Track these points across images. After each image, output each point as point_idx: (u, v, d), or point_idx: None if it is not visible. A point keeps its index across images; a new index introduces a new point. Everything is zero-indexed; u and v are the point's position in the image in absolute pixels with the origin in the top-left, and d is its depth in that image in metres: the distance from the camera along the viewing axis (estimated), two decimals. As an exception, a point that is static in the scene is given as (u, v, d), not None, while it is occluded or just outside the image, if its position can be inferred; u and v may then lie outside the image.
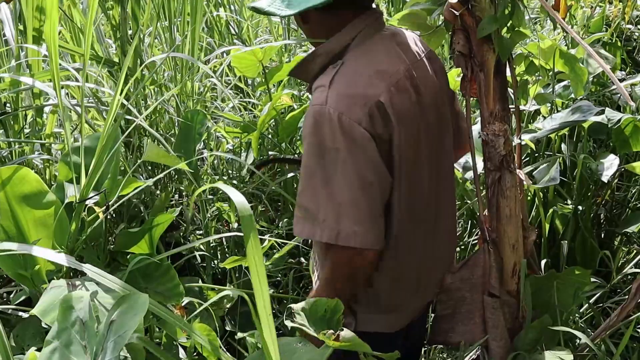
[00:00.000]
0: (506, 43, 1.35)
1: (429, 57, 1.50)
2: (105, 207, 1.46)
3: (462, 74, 1.47)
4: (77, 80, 2.52)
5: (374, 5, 1.44)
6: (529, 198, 1.99)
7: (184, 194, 2.69)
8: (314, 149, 1.29)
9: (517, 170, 1.50)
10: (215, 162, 2.78)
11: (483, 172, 1.53)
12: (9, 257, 1.48)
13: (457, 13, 1.39)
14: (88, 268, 1.04)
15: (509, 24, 1.36)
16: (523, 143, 1.61)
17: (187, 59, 1.84)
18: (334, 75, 1.32)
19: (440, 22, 1.47)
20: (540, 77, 1.52)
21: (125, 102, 2.15)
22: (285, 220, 2.59)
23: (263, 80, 2.63)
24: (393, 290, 1.49)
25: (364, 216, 1.29)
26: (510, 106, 1.49)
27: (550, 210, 1.92)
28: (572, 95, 2.04)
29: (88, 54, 1.33)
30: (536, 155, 2.07)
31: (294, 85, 2.88)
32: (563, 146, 2.07)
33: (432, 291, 1.61)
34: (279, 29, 3.49)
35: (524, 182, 1.54)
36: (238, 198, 0.89)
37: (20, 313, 1.78)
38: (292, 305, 1.10)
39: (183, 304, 1.94)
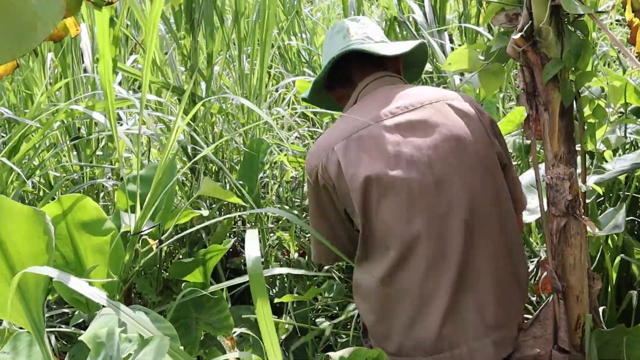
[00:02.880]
0: (570, 87, 1.27)
1: (466, 112, 1.53)
2: (158, 240, 1.47)
3: (526, 114, 1.40)
4: (153, 108, 2.61)
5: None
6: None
7: (246, 221, 2.70)
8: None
9: (583, 217, 1.40)
10: (280, 189, 2.78)
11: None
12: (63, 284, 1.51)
13: (520, 50, 1.32)
14: (121, 307, 1.04)
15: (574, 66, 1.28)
16: (589, 188, 1.51)
17: (245, 103, 1.86)
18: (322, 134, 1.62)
19: (489, 61, 1.41)
20: (608, 121, 1.43)
21: (186, 129, 2.19)
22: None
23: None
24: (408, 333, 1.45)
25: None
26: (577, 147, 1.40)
27: (618, 258, 1.79)
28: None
29: (147, 83, 1.36)
30: (603, 197, 1.95)
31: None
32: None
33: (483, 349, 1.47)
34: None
35: (591, 230, 1.44)
36: (252, 253, 0.87)
37: (81, 331, 1.83)
38: (331, 354, 1.06)
39: (236, 334, 1.94)
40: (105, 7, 1.00)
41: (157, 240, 1.46)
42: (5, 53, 0.94)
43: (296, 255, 2.52)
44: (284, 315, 2.30)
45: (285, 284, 2.45)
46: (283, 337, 2.16)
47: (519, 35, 1.31)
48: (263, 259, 2.46)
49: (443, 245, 1.43)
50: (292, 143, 2.80)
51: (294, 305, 2.25)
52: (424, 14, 3.19)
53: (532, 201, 1.75)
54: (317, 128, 2.86)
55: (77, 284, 1.03)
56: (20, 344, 1.38)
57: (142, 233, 1.43)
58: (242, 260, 2.55)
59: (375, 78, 1.61)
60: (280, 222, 2.59)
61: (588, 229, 1.37)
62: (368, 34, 1.64)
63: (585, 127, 1.40)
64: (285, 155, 2.55)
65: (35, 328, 1.27)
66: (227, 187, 2.52)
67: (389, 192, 1.42)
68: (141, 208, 1.45)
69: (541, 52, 1.32)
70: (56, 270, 1.08)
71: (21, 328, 1.47)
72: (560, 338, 1.45)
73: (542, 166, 1.45)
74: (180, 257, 2.41)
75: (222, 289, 1.73)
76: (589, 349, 1.43)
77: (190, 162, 1.72)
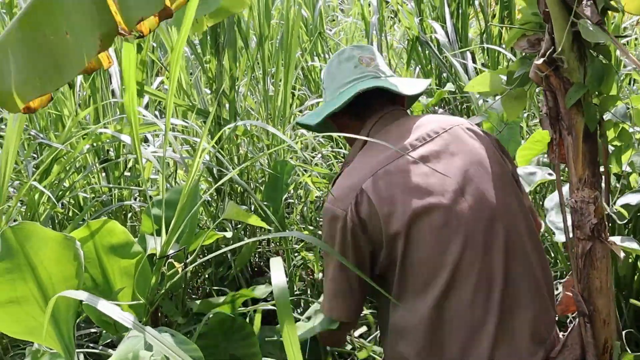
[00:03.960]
0: (594, 112, 1.27)
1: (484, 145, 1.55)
2: (184, 263, 1.49)
3: (550, 138, 1.41)
4: (180, 131, 2.66)
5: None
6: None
7: (270, 241, 2.72)
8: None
9: (609, 240, 1.39)
10: (304, 210, 2.80)
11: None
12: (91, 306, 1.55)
13: (542, 75, 1.33)
14: (148, 331, 1.07)
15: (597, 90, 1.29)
16: (615, 211, 1.50)
17: (268, 129, 1.90)
18: (336, 177, 1.58)
19: (512, 86, 1.42)
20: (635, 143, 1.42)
21: (212, 150, 2.23)
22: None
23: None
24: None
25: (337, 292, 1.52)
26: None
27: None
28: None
29: (171, 109, 1.39)
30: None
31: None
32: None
33: None
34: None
35: (616, 252, 1.43)
36: (278, 279, 0.88)
37: (109, 350, 1.86)
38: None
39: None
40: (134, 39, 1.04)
41: (182, 264, 1.48)
42: (42, 86, 0.98)
43: (320, 275, 2.54)
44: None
45: (310, 304, 2.46)
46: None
47: (541, 60, 1.32)
48: (287, 279, 2.47)
49: (486, 268, 1.43)
50: (315, 164, 2.82)
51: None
52: (446, 33, 3.20)
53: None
54: (341, 148, 2.88)
55: (106, 307, 1.06)
56: (51, 365, 1.41)
57: (167, 257, 1.46)
58: (267, 280, 2.57)
59: (386, 112, 1.62)
60: (304, 242, 2.60)
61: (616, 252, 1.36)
62: (379, 66, 1.67)
63: (611, 150, 1.40)
64: (310, 176, 2.57)
65: (66, 350, 1.30)
66: (252, 208, 2.55)
67: (426, 223, 1.42)
68: (166, 231, 1.48)
69: (564, 76, 1.32)
70: (85, 293, 1.11)
71: (52, 349, 1.50)
72: (589, 364, 1.44)
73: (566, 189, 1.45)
74: (207, 276, 2.44)
75: (250, 325, 1.74)
76: (617, 374, 1.41)
77: (216, 184, 1.74)
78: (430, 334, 1.41)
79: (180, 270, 1.48)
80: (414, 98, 1.78)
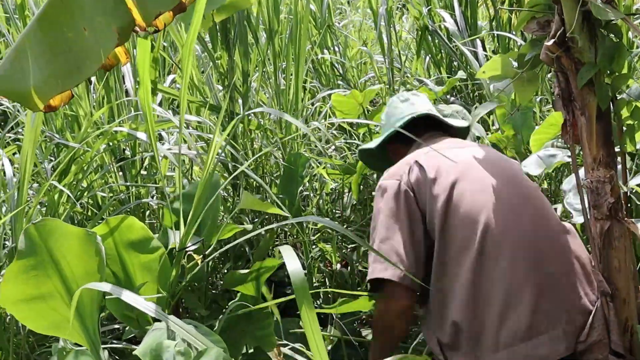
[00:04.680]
0: (606, 91, 1.27)
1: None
2: (203, 255, 1.52)
3: (559, 117, 1.41)
4: (193, 127, 2.68)
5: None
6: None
7: (288, 234, 2.74)
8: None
9: (626, 219, 1.39)
10: (320, 202, 2.81)
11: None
12: (116, 299, 1.57)
13: (553, 56, 1.33)
14: (171, 320, 1.09)
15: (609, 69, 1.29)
16: (632, 190, 1.50)
17: (284, 117, 1.93)
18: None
19: (523, 69, 1.42)
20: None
21: (228, 147, 2.25)
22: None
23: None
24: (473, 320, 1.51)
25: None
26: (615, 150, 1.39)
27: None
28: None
29: (185, 103, 1.41)
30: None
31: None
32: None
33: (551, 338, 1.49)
34: (383, 69, 3.52)
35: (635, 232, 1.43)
36: (294, 266, 0.90)
37: (133, 347, 1.88)
38: (376, 363, 1.08)
39: (288, 347, 1.96)
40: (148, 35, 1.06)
41: (202, 256, 1.50)
42: (62, 84, 1.01)
43: (338, 266, 2.55)
44: (329, 326, 2.33)
45: (329, 295, 2.47)
46: (328, 347, 2.18)
47: (551, 41, 1.32)
48: (306, 271, 2.49)
49: (519, 239, 1.54)
50: (329, 156, 2.83)
51: (339, 316, 2.27)
52: (455, 22, 3.19)
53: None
54: (354, 140, 2.89)
55: (131, 298, 1.08)
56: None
57: (187, 249, 1.48)
58: (286, 272, 2.58)
59: (431, 135, 1.88)
60: (321, 233, 2.62)
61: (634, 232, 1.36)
62: (428, 105, 1.97)
63: (624, 129, 1.40)
64: (325, 168, 2.59)
65: (91, 344, 1.32)
66: (268, 202, 2.56)
67: (465, 189, 1.59)
68: (184, 225, 1.50)
69: (575, 57, 1.32)
70: (109, 285, 1.14)
71: (77, 344, 1.53)
72: (614, 342, 1.44)
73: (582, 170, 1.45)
74: (225, 272, 2.46)
75: (268, 307, 1.76)
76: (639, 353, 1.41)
77: (229, 178, 1.76)
78: (470, 296, 1.50)
79: (199, 262, 1.50)
80: (461, 132, 2.01)
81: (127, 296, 1.11)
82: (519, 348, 1.46)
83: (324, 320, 2.42)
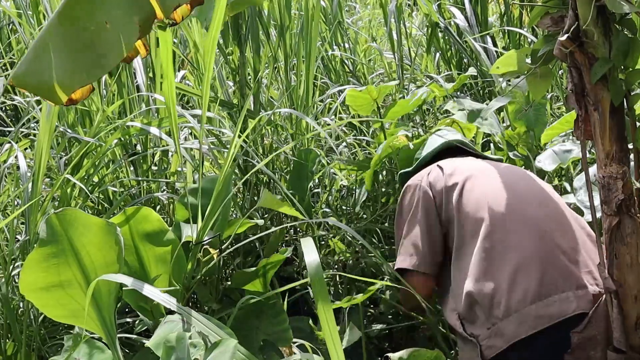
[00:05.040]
0: (620, 86, 1.28)
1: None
2: (219, 249, 1.53)
3: (575, 115, 1.41)
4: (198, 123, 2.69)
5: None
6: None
7: (298, 230, 2.75)
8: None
9: (638, 215, 1.40)
10: (330, 198, 2.83)
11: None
12: (133, 291, 1.59)
13: (567, 51, 1.34)
14: (186, 311, 1.10)
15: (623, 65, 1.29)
16: (644, 186, 1.50)
17: (294, 113, 1.95)
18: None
19: (536, 65, 1.43)
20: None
21: (244, 145, 2.26)
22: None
23: (377, 117, 2.66)
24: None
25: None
26: (629, 146, 1.40)
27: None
28: None
29: (207, 101, 1.42)
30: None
31: (407, 122, 2.88)
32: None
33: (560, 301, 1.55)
34: (392, 65, 3.52)
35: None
36: (311, 258, 0.91)
37: (144, 340, 1.90)
38: (390, 355, 1.09)
39: (296, 344, 1.97)
40: (168, 28, 1.07)
41: (218, 250, 1.52)
42: (85, 78, 1.02)
43: (350, 262, 2.56)
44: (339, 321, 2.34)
45: (340, 291, 2.49)
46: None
47: (565, 36, 1.32)
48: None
49: (532, 213, 1.69)
50: (340, 153, 2.85)
51: (349, 311, 2.28)
52: (466, 18, 3.20)
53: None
54: (364, 136, 2.90)
55: (150, 291, 1.10)
56: (91, 350, 1.45)
57: (203, 242, 1.49)
58: (295, 269, 2.60)
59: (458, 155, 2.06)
60: (332, 228, 2.63)
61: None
62: (460, 137, 2.19)
63: (638, 125, 1.40)
64: (337, 164, 2.60)
65: (107, 334, 1.34)
66: (279, 197, 2.58)
67: (480, 179, 1.79)
68: (201, 219, 1.52)
69: (588, 52, 1.33)
70: (130, 278, 1.15)
71: (92, 333, 1.55)
72: (616, 339, 1.44)
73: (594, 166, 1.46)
74: (235, 267, 2.48)
75: (281, 302, 1.78)
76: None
77: (246, 176, 1.78)
78: (482, 268, 1.62)
79: (215, 256, 1.52)
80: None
81: (147, 290, 1.13)
82: (530, 309, 1.53)
83: (336, 316, 2.43)
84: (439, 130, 2.30)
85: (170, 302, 1.12)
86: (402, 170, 2.23)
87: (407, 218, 1.85)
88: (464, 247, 1.71)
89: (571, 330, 1.52)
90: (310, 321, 2.06)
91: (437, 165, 1.90)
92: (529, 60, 1.50)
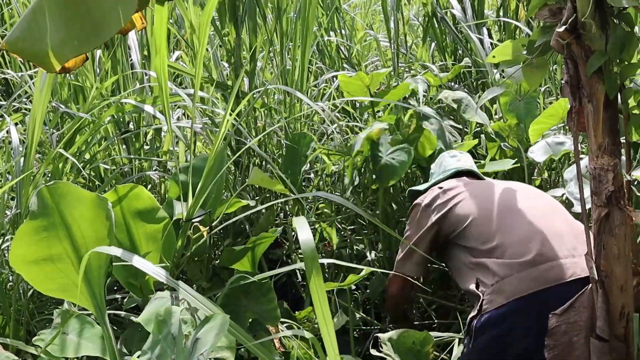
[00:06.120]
0: (615, 79, 1.29)
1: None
2: (209, 226, 1.53)
3: (569, 106, 1.42)
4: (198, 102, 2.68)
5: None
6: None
7: (288, 213, 2.76)
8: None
9: (627, 207, 1.41)
10: (321, 183, 2.83)
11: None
12: (122, 267, 1.59)
13: (564, 43, 1.34)
14: (181, 286, 1.10)
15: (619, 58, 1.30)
16: (633, 179, 1.52)
17: (289, 91, 1.94)
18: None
19: (533, 55, 1.43)
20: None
21: (234, 123, 2.26)
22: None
23: (369, 103, 2.67)
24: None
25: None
26: (621, 139, 1.41)
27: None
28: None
29: (199, 80, 1.42)
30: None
31: (400, 109, 2.88)
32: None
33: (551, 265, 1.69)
34: (388, 53, 3.52)
35: (636, 221, 1.45)
36: (305, 236, 0.92)
37: (132, 317, 1.90)
38: (380, 335, 1.10)
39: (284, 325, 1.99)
40: (165, 2, 1.06)
41: (208, 227, 1.52)
42: (80, 47, 1.01)
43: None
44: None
45: (327, 275, 2.50)
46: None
47: (563, 28, 1.33)
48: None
49: (530, 203, 1.88)
50: (331, 138, 2.85)
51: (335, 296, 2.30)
52: (463, 9, 3.20)
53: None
54: (357, 122, 2.90)
55: (143, 264, 1.10)
56: (81, 325, 1.46)
57: (194, 220, 1.49)
58: (284, 252, 2.61)
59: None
60: (321, 214, 2.64)
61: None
62: (471, 162, 2.32)
63: (630, 119, 1.41)
64: (327, 148, 2.60)
65: (97, 308, 1.34)
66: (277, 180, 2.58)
67: (475, 188, 2.02)
68: (192, 197, 1.52)
69: (585, 44, 1.33)
70: (120, 249, 1.15)
71: (81, 308, 1.55)
72: (599, 327, 1.46)
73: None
74: (225, 247, 2.48)
75: (269, 281, 1.79)
76: (633, 338, 1.44)
77: (236, 154, 1.78)
78: (492, 248, 1.78)
79: (205, 234, 1.52)
80: None
81: (138, 262, 1.13)
82: (530, 272, 1.67)
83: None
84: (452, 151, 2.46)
85: (160, 274, 1.12)
86: (414, 188, 2.41)
87: (410, 229, 2.07)
88: (472, 226, 1.89)
89: (551, 313, 1.56)
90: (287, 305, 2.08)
91: (440, 187, 2.11)
92: (525, 52, 1.51)
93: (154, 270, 1.13)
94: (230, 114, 1.79)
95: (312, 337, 0.98)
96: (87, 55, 1.09)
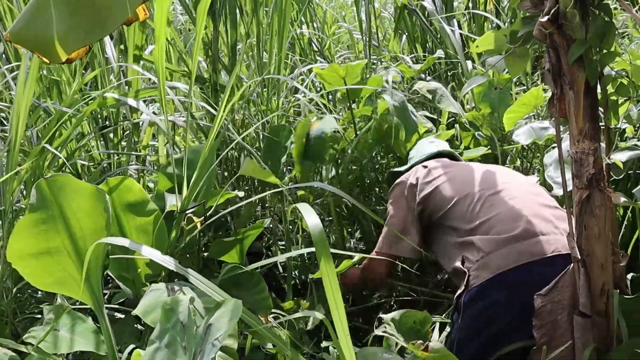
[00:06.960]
0: (595, 66, 1.35)
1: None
2: (202, 217, 1.55)
3: (550, 93, 1.48)
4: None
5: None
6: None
7: (267, 205, 2.78)
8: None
9: (607, 189, 1.48)
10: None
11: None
12: (115, 260, 1.59)
13: (546, 32, 1.40)
14: (191, 274, 1.12)
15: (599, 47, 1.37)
16: (611, 162, 1.59)
17: (280, 78, 1.96)
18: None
19: (516, 45, 1.49)
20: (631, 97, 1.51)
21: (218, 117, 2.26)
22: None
23: (344, 97, 2.70)
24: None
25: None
26: (600, 124, 1.48)
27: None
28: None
29: (194, 77, 1.43)
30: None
31: (375, 101, 2.93)
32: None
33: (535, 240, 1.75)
34: (360, 45, 3.56)
35: (615, 202, 1.52)
36: (313, 221, 0.94)
37: (116, 313, 1.90)
38: (382, 315, 1.14)
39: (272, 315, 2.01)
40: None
41: (202, 218, 1.53)
42: (85, 38, 1.02)
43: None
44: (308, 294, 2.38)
45: (307, 265, 2.53)
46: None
47: (546, 18, 1.38)
48: (284, 240, 2.53)
49: (513, 186, 1.94)
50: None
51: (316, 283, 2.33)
52: (433, 1, 3.26)
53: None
54: (331, 113, 2.93)
55: (149, 252, 1.11)
56: (72, 321, 1.45)
57: (187, 211, 1.50)
58: (264, 244, 2.64)
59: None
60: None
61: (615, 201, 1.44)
62: (448, 148, 2.41)
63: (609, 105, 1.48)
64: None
65: (95, 300, 1.35)
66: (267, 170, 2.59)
67: (459, 167, 2.11)
68: (187, 188, 1.53)
69: (567, 34, 1.40)
70: (126, 240, 1.16)
71: (72, 303, 1.55)
72: (582, 304, 1.53)
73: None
74: (209, 239, 2.49)
75: (259, 272, 1.81)
76: (613, 314, 1.51)
77: (229, 147, 1.79)
78: (480, 223, 1.84)
79: (199, 224, 1.53)
80: None
81: (146, 251, 1.14)
82: (515, 247, 1.73)
83: (301, 291, 2.49)
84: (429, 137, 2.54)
85: (170, 263, 1.13)
86: (394, 169, 2.46)
87: (392, 208, 2.10)
88: (456, 206, 1.93)
89: (536, 294, 1.61)
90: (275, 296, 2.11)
91: (423, 165, 2.17)
92: (508, 42, 1.56)
93: (163, 260, 1.13)
94: (226, 111, 1.80)
95: (324, 318, 1.01)
96: (90, 46, 1.10)
